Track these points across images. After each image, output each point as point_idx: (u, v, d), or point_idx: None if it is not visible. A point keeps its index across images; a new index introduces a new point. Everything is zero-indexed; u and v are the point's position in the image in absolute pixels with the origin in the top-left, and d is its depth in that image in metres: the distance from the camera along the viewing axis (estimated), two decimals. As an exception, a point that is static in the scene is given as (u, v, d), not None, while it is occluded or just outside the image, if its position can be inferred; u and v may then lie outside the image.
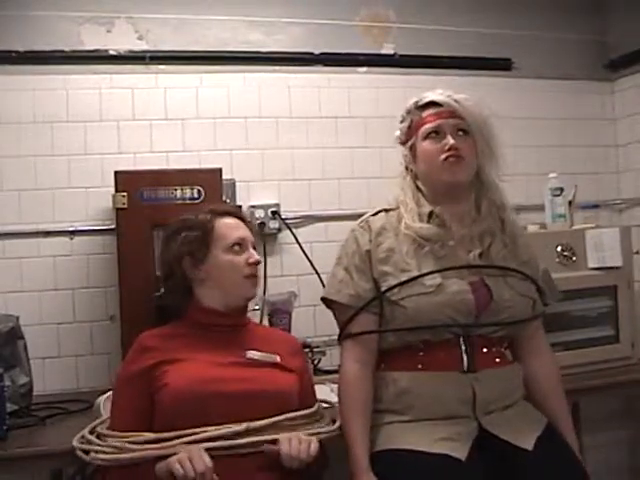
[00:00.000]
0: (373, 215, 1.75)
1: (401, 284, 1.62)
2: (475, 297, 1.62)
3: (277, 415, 1.57)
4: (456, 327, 1.62)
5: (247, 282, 1.70)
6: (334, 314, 1.78)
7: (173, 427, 1.51)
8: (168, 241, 1.75)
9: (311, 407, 1.69)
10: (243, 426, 1.51)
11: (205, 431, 1.49)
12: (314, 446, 1.51)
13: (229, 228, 1.73)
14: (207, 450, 1.45)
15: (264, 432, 1.53)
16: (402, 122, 1.76)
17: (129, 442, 1.50)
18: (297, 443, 1.50)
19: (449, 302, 1.61)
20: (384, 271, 1.65)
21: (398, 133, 1.78)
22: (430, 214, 1.68)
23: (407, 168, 1.76)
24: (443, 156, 1.65)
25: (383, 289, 1.65)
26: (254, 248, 1.75)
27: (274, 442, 1.51)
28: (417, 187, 1.73)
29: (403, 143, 1.77)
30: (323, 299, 1.77)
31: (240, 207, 2.54)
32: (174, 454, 1.43)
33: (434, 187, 1.70)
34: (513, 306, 1.66)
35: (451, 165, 1.65)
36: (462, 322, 1.62)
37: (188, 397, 1.53)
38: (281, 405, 1.60)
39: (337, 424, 1.66)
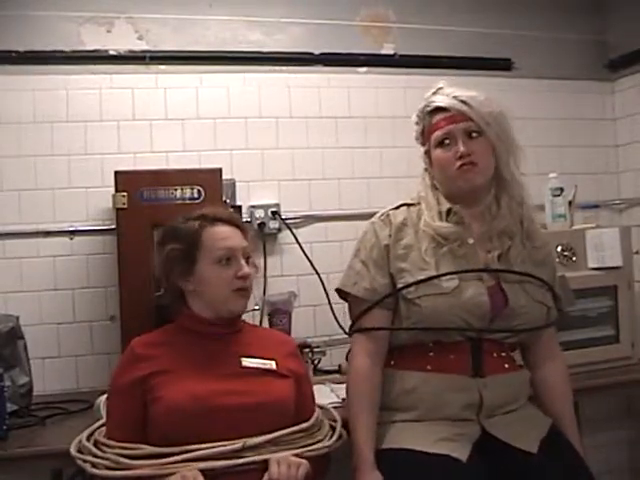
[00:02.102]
0: (395, 209, 1.74)
1: (417, 283, 1.62)
2: (490, 301, 1.62)
3: (274, 426, 1.55)
4: (469, 330, 1.62)
5: (235, 296, 1.64)
6: (332, 311, 1.79)
7: (167, 440, 1.50)
8: (157, 250, 1.71)
9: (309, 413, 1.67)
10: (240, 444, 1.49)
11: (202, 448, 1.47)
12: (303, 470, 1.49)
13: (217, 239, 1.65)
14: (203, 469, 1.43)
15: (261, 448, 1.51)
16: (417, 124, 1.75)
17: (125, 456, 1.49)
18: (286, 468, 1.47)
19: (464, 305, 1.60)
20: (401, 268, 1.65)
21: (415, 133, 1.77)
22: (448, 211, 1.67)
23: (426, 169, 1.76)
24: (457, 164, 1.63)
25: (399, 286, 1.64)
26: (248, 257, 1.68)
27: (266, 463, 1.49)
28: (435, 187, 1.72)
29: (422, 144, 1.76)
30: (338, 290, 1.76)
31: (240, 207, 2.55)
32: (169, 473, 1.43)
33: (451, 191, 1.69)
34: (528, 312, 1.66)
35: (465, 173, 1.63)
36: (476, 326, 1.62)
37: (182, 413, 1.51)
38: (278, 416, 1.58)
39: (336, 435, 1.65)
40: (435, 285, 1.61)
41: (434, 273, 1.62)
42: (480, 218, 1.69)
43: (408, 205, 1.74)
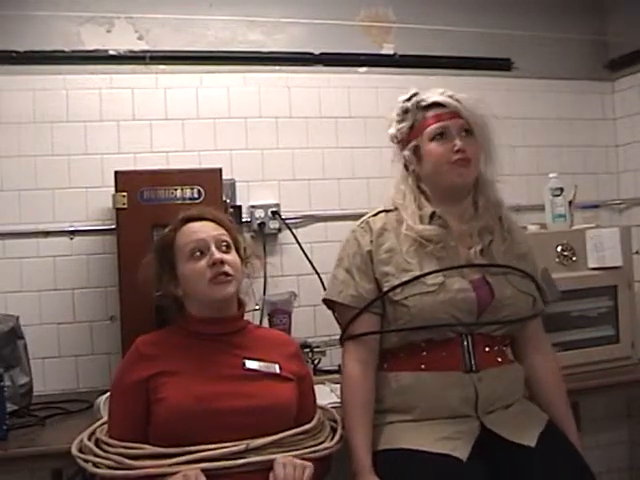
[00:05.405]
0: (373, 216, 1.75)
1: (403, 284, 1.63)
2: (477, 295, 1.63)
3: (276, 429, 1.55)
4: (459, 326, 1.63)
5: (213, 285, 1.60)
6: (334, 315, 1.79)
7: (169, 440, 1.50)
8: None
9: (311, 414, 1.67)
10: (243, 445, 1.49)
11: (205, 449, 1.47)
12: (308, 472, 1.49)
13: (186, 236, 1.65)
14: (206, 470, 1.44)
15: (265, 450, 1.51)
16: (401, 122, 1.75)
17: (128, 456, 1.49)
18: (291, 470, 1.47)
19: (451, 300, 1.61)
20: (386, 271, 1.66)
21: (394, 131, 1.76)
22: (432, 215, 1.68)
23: (407, 169, 1.75)
24: (453, 158, 1.65)
25: (385, 289, 1.65)
26: (226, 246, 1.65)
27: (268, 464, 1.49)
28: (419, 188, 1.73)
29: (401, 142, 1.76)
30: (324, 300, 1.77)
31: (240, 207, 2.55)
32: (172, 473, 1.43)
33: (439, 188, 1.70)
34: (514, 303, 1.67)
35: (460, 167, 1.65)
36: (465, 321, 1.63)
37: (185, 414, 1.51)
38: (280, 419, 1.58)
39: (337, 437, 1.65)
40: (420, 284, 1.62)
41: (418, 273, 1.63)
42: (459, 218, 1.71)
43: (386, 211, 1.75)
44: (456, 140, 1.65)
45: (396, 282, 1.63)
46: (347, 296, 1.69)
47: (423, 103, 1.71)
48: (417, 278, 1.62)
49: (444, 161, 1.66)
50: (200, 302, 1.64)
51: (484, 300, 1.64)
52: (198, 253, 1.62)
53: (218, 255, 1.61)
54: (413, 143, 1.72)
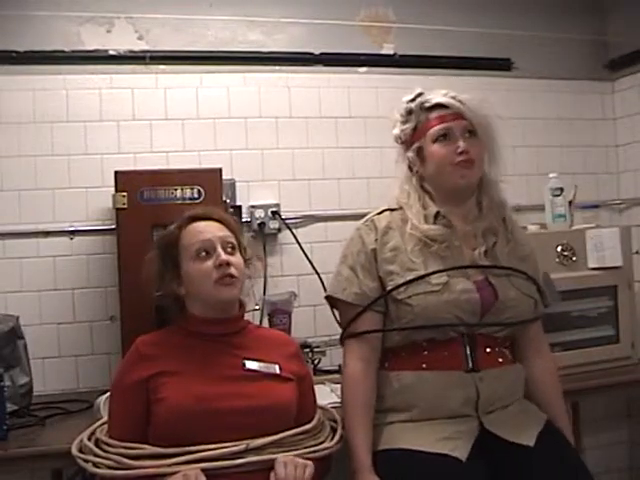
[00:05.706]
0: (378, 214, 1.75)
1: (407, 283, 1.63)
2: (480, 296, 1.63)
3: (276, 429, 1.55)
4: (461, 326, 1.63)
5: (218, 286, 1.60)
6: (332, 313, 1.79)
7: (169, 440, 1.50)
8: (149, 260, 1.70)
9: (311, 414, 1.67)
10: (243, 445, 1.49)
11: (205, 449, 1.47)
12: (309, 471, 1.50)
13: (192, 235, 1.65)
14: (206, 470, 1.44)
15: (265, 449, 1.51)
16: (405, 123, 1.75)
17: (128, 456, 1.49)
18: (292, 469, 1.47)
19: (455, 301, 1.61)
20: (390, 270, 1.66)
21: (398, 132, 1.77)
22: (436, 215, 1.68)
23: (411, 169, 1.75)
24: (456, 160, 1.65)
25: (389, 288, 1.65)
26: (231, 247, 1.65)
27: (268, 464, 1.49)
28: (423, 188, 1.73)
29: (405, 143, 1.76)
30: (327, 297, 1.76)
31: (240, 207, 2.55)
32: (172, 473, 1.43)
33: (443, 189, 1.70)
34: (517, 305, 1.68)
35: (463, 169, 1.65)
36: (468, 321, 1.63)
37: (185, 414, 1.51)
38: (280, 419, 1.58)
39: (337, 437, 1.65)
40: (424, 283, 1.62)
41: (423, 272, 1.63)
42: (463, 219, 1.71)
43: (391, 210, 1.75)
44: (459, 141, 1.65)
45: (400, 281, 1.63)
46: (351, 294, 1.69)
47: (426, 104, 1.71)
48: (421, 277, 1.62)
49: (447, 162, 1.66)
50: (203, 302, 1.64)
51: (487, 301, 1.64)
52: (204, 253, 1.63)
53: (225, 257, 1.61)
54: (416, 144, 1.72)
